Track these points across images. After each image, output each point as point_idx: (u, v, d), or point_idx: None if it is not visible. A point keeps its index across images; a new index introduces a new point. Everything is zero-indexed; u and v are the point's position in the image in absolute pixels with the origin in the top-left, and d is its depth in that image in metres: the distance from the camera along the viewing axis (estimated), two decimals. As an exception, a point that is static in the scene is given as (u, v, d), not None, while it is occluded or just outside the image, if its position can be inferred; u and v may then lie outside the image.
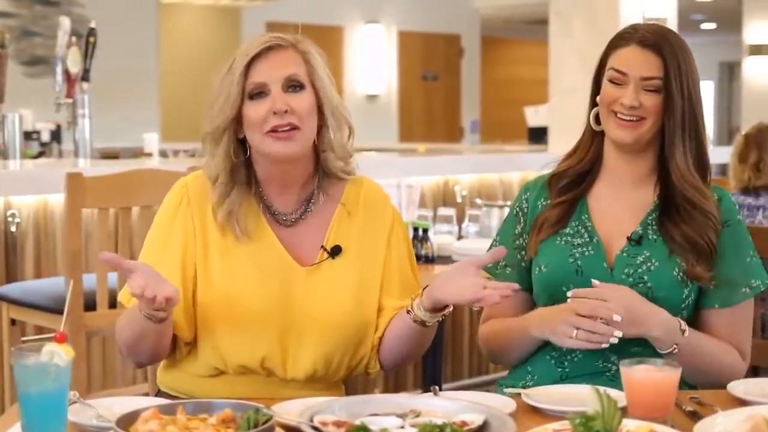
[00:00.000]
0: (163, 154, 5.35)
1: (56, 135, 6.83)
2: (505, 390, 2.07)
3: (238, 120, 2.15)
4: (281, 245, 2.19)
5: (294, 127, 2.12)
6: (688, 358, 2.12)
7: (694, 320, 2.26)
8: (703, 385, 2.21)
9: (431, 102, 14.04)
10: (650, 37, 2.23)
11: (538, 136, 7.80)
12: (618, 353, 2.19)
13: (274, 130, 2.12)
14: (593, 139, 2.34)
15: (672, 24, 6.84)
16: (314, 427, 1.66)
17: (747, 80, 11.74)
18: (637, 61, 2.22)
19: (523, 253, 2.36)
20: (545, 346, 2.26)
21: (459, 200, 5.07)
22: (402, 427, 1.68)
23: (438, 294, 2.08)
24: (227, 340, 2.13)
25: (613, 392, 1.74)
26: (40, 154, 6.46)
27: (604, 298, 2.10)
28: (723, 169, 6.01)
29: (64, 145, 6.82)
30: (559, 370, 2.24)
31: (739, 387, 2.03)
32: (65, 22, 5.07)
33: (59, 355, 1.68)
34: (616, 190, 2.32)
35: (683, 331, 2.16)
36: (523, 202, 2.40)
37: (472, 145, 12.62)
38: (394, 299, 2.23)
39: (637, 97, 2.21)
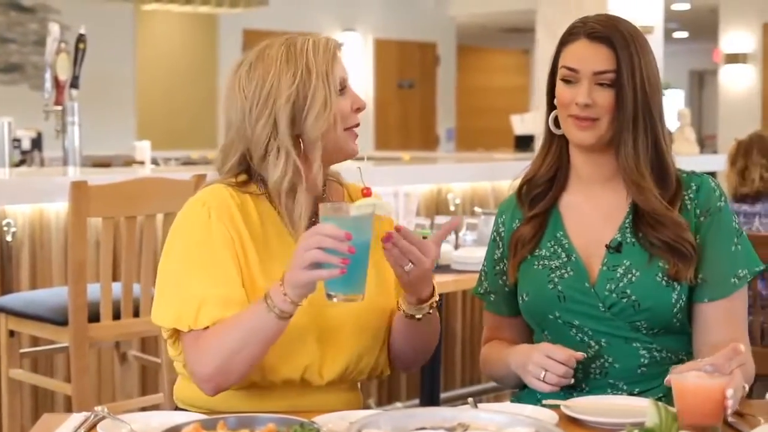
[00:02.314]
0: (153, 162, 5.28)
1: (37, 143, 6.74)
2: (543, 402, 2.04)
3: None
4: None
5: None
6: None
7: (692, 317, 2.18)
8: None
9: (407, 110, 14.04)
10: (600, 29, 2.13)
11: (525, 144, 7.80)
12: (627, 381, 2.17)
13: (354, 126, 2.16)
14: (552, 143, 2.25)
15: (658, 32, 6.86)
16: (363, 442, 1.63)
17: (723, 88, 11.81)
18: (587, 56, 2.12)
19: (504, 278, 2.30)
20: None
21: (452, 208, 5.05)
22: (454, 441, 1.65)
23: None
24: (272, 355, 2.07)
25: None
26: (21, 162, 6.37)
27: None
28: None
29: (46, 153, 6.74)
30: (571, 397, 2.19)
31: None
32: (54, 29, 5.00)
33: (380, 205, 1.92)
34: (588, 195, 2.23)
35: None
36: (500, 225, 2.33)
37: (448, 153, 12.63)
38: (396, 293, 2.21)
39: (591, 94, 2.11)
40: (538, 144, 6.32)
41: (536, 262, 2.23)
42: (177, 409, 2.22)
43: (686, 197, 2.20)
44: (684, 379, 1.82)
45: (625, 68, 2.12)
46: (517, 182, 2.31)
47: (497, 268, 2.32)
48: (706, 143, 13.37)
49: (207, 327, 2.02)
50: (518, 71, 17.94)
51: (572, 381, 2.10)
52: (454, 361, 5.41)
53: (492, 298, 2.34)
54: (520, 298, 2.25)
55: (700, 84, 19.61)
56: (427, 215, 4.87)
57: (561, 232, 2.24)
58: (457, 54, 14.96)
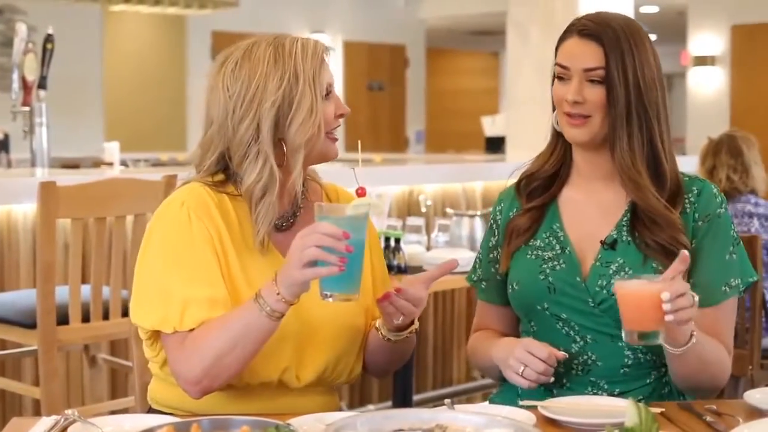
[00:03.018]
0: (122, 163, 5.23)
1: (5, 144, 6.66)
2: (520, 403, 2.02)
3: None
4: (278, 252, 2.13)
5: None
6: (697, 353, 2.02)
7: None
8: (696, 388, 2.13)
9: (377, 112, 14.01)
10: (590, 26, 2.13)
11: (496, 145, 7.80)
12: (609, 380, 2.16)
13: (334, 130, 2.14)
14: (557, 142, 2.25)
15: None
16: (341, 444, 1.60)
17: (691, 91, 11.86)
18: (577, 53, 2.12)
19: (497, 266, 2.29)
20: None
21: (424, 209, 5.03)
22: (432, 443, 1.63)
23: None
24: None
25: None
26: (-15, 164, 6.29)
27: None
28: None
29: (14, 155, 6.65)
30: (549, 398, 2.17)
31: (755, 396, 2.00)
32: (22, 29, 4.94)
33: (375, 205, 1.80)
34: (587, 191, 2.23)
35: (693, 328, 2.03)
36: (497, 213, 2.34)
37: (417, 155, 12.61)
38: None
39: (581, 91, 2.11)
40: (508, 145, 6.29)
41: (529, 252, 2.23)
42: (151, 410, 2.19)
43: (686, 201, 2.19)
44: (624, 283, 1.89)
45: (615, 65, 2.11)
46: (518, 173, 2.32)
47: (491, 255, 2.32)
48: (674, 145, 13.41)
49: (193, 329, 1.99)
50: (487, 74, 17.97)
51: (552, 379, 2.09)
52: (426, 364, 5.39)
53: (484, 286, 2.33)
54: (510, 287, 2.24)
55: (669, 86, 19.55)
56: (399, 216, 4.84)
57: (557, 224, 2.23)
58: (427, 56, 14.95)
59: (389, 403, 4.87)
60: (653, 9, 13.12)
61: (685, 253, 1.93)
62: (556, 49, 2.20)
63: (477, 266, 2.36)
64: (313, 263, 1.87)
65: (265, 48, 2.09)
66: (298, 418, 1.85)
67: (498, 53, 17.77)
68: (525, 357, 2.07)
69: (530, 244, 2.24)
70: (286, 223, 2.16)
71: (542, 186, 2.26)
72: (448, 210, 4.79)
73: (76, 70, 10.36)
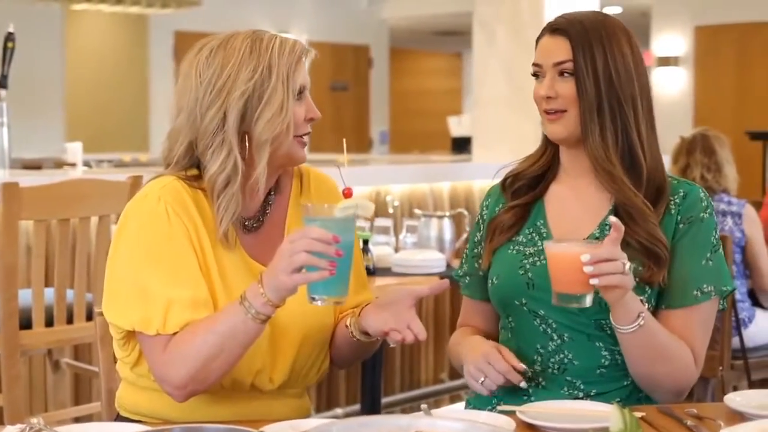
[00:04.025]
0: (85, 164, 5.15)
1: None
2: (498, 408, 1.99)
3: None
4: (246, 253, 2.09)
5: None
6: (647, 339, 2.01)
7: None
8: (654, 384, 2.11)
9: (341, 112, 13.97)
10: (561, 22, 2.16)
11: (462, 146, 7.78)
12: (585, 381, 2.14)
13: (304, 135, 2.08)
14: (548, 144, 2.26)
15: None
16: (317, 453, 1.56)
17: (655, 91, 11.86)
18: (547, 49, 2.15)
19: (480, 261, 2.28)
20: None
21: (391, 210, 4.99)
22: (410, 451, 1.59)
23: (364, 322, 2.06)
24: None
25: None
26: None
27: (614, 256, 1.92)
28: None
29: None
30: (524, 398, 2.14)
31: (735, 399, 1.98)
32: (-19, 27, 4.85)
33: (363, 206, 1.89)
34: (574, 189, 2.22)
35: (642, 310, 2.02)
36: (484, 208, 2.34)
37: (381, 155, 12.59)
38: (352, 294, 2.13)
39: (553, 86, 2.13)
40: (475, 145, 6.25)
41: (512, 247, 2.22)
42: (119, 417, 2.13)
43: (672, 203, 2.17)
44: (552, 245, 1.94)
45: (582, 57, 2.11)
46: (504, 172, 2.33)
47: (476, 251, 2.32)
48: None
49: (176, 332, 1.94)
50: (451, 74, 17.99)
51: (521, 383, 2.06)
52: (393, 367, 5.35)
53: (467, 281, 2.33)
54: (490, 281, 2.23)
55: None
56: (367, 218, 4.80)
57: (541, 221, 2.23)
58: (390, 56, 14.93)
59: (357, 407, 4.84)
60: (617, 9, 13.15)
61: (613, 219, 1.93)
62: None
63: (464, 262, 2.36)
64: (302, 268, 1.83)
65: (242, 39, 2.04)
66: (271, 426, 1.82)
67: (461, 54, 17.77)
68: (485, 368, 2.05)
69: (513, 239, 2.23)
70: (256, 224, 2.12)
71: (528, 185, 2.26)
72: (416, 211, 4.76)
73: (37, 70, 10.26)
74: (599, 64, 2.12)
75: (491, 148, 6.14)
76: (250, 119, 2.01)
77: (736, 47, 11.24)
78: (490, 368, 2.05)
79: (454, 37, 15.61)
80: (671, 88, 11.46)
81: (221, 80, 2.01)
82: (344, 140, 2.15)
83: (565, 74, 2.13)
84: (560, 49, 2.13)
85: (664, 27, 11.65)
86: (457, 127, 8.31)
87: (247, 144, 2.03)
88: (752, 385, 4.23)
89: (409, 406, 5.38)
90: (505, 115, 6.09)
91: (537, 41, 2.21)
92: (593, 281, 1.89)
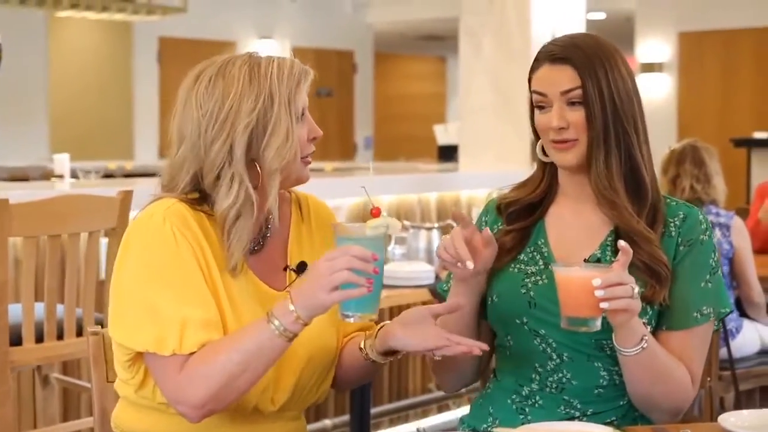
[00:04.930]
0: (72, 174, 5.13)
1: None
2: (494, 430, 1.99)
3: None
4: (254, 275, 2.09)
5: None
6: (649, 361, 2.03)
7: None
8: (652, 405, 2.12)
9: (325, 118, 13.96)
10: (558, 50, 2.14)
11: (448, 154, 7.80)
12: (582, 400, 2.14)
13: (309, 155, 2.11)
14: (544, 171, 2.25)
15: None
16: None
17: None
18: (552, 79, 2.13)
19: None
20: (508, 389, 2.20)
21: (379, 221, 4.97)
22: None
23: (395, 342, 2.07)
24: None
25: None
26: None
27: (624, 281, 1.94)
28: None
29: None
30: (521, 417, 2.14)
31: (729, 419, 1.98)
32: (-34, 36, 4.82)
33: (392, 224, 1.95)
34: (574, 211, 2.22)
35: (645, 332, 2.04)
36: (483, 223, 2.31)
37: (367, 162, 12.59)
38: None
39: (564, 115, 2.12)
40: (461, 154, 6.21)
41: (513, 266, 2.21)
42: (113, 436, 2.13)
43: (672, 224, 2.18)
44: (561, 269, 1.94)
45: (590, 83, 2.11)
46: (500, 193, 2.32)
47: None
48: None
49: (193, 352, 1.94)
50: (435, 79, 18.02)
51: (471, 265, 2.05)
52: (382, 377, 5.35)
53: None
54: (489, 299, 2.21)
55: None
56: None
57: (542, 240, 2.22)
58: (375, 61, 14.94)
59: (346, 417, 4.83)
60: (600, 15, 13.20)
61: (623, 243, 1.96)
62: (530, 78, 2.20)
63: (451, 276, 2.30)
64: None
65: (240, 66, 2.03)
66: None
67: (445, 58, 17.81)
68: (446, 241, 2.06)
69: (516, 258, 2.22)
70: (258, 246, 2.12)
71: (526, 210, 2.25)
72: (405, 222, 4.75)
73: (20, 77, 10.23)
74: (604, 89, 2.11)
75: (478, 157, 6.16)
76: (257, 149, 2.01)
77: (720, 53, 11.29)
78: (449, 241, 2.05)
79: (438, 42, 15.64)
80: (655, 95, 11.50)
81: (224, 112, 2.00)
82: (364, 188, 2.19)
83: (574, 102, 2.12)
84: (566, 78, 2.12)
85: (648, 33, 11.69)
86: (443, 135, 8.33)
87: (257, 172, 2.03)
88: (739, 395, 4.24)
89: (397, 416, 5.38)
90: (492, 124, 6.10)
91: (532, 70, 2.19)
92: (604, 305, 1.90)
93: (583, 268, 1.95)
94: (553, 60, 2.14)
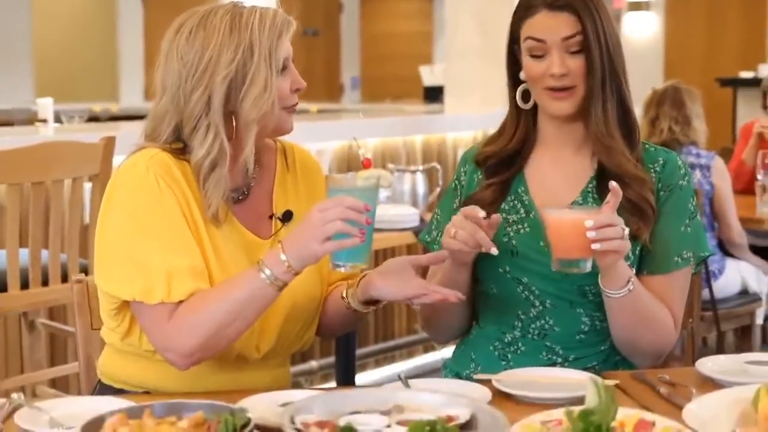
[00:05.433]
0: (56, 117, 5.09)
1: None
2: (474, 376, 2.01)
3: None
4: (240, 223, 2.10)
5: None
6: (634, 304, 2.05)
7: None
8: (636, 349, 2.15)
9: (312, 58, 13.90)
10: None
11: (434, 95, 7.77)
12: (564, 346, 2.16)
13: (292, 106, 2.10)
14: (519, 119, 2.24)
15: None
16: (297, 429, 1.58)
17: (626, 36, 11.89)
18: (552, 25, 2.11)
19: None
20: (490, 336, 2.22)
21: (364, 164, 4.98)
22: (389, 426, 1.61)
23: (375, 291, 2.09)
24: None
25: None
26: None
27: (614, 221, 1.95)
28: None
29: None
30: (503, 363, 2.17)
31: (707, 365, 2.01)
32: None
33: (384, 176, 1.82)
34: (555, 159, 2.22)
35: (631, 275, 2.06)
36: (462, 174, 2.31)
37: (353, 103, 12.55)
38: None
39: (564, 62, 2.11)
40: (447, 96, 6.16)
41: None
42: (99, 383, 2.14)
43: (651, 170, 2.19)
44: (552, 211, 1.94)
45: (591, 30, 2.10)
46: (477, 147, 2.30)
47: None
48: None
49: (181, 300, 1.95)
50: (421, 17, 17.86)
51: (494, 249, 2.03)
52: (367, 319, 5.38)
53: (436, 248, 2.29)
54: None
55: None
56: (339, 172, 4.79)
57: (523, 188, 2.22)
58: (360, 0, 14.82)
59: (332, 359, 4.87)
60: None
61: (614, 184, 1.96)
62: (518, 25, 2.17)
63: (433, 227, 2.33)
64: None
65: (222, 16, 2.02)
66: (251, 398, 1.83)
67: (432, -4, 17.65)
68: (461, 222, 2.03)
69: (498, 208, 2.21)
70: (242, 195, 2.12)
71: (504, 162, 2.24)
72: (390, 165, 4.74)
73: (4, 21, 10.16)
74: (602, 36, 2.10)
75: (463, 99, 6.14)
76: (235, 100, 2.01)
77: (707, -8, 11.24)
78: (467, 223, 2.02)
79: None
80: (642, 33, 11.46)
81: (203, 63, 2.00)
82: (355, 138, 2.17)
83: (573, 50, 2.11)
84: (566, 24, 2.10)
85: (635, -30, 11.62)
86: (429, 76, 8.30)
87: (234, 124, 2.03)
88: (721, 335, 4.29)
89: (383, 357, 5.42)
90: (477, 66, 6.07)
91: (524, 17, 2.16)
92: (595, 246, 1.91)
93: (573, 210, 1.97)
94: (553, 7, 2.12)
